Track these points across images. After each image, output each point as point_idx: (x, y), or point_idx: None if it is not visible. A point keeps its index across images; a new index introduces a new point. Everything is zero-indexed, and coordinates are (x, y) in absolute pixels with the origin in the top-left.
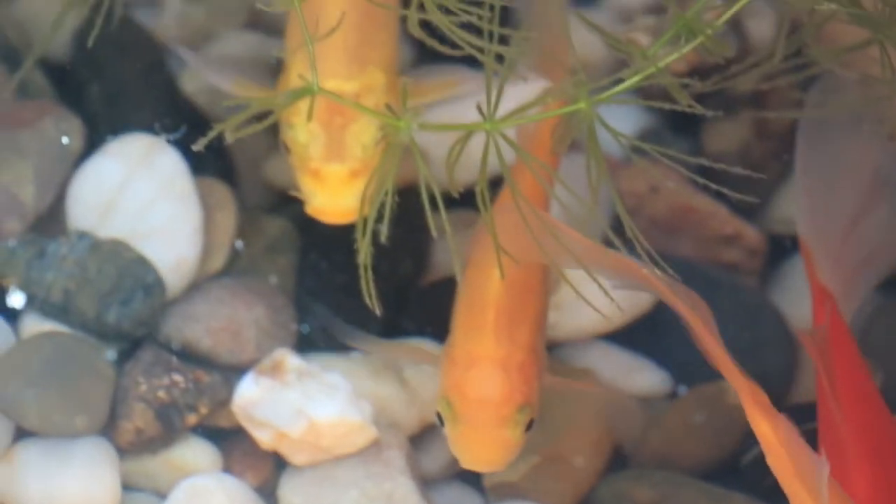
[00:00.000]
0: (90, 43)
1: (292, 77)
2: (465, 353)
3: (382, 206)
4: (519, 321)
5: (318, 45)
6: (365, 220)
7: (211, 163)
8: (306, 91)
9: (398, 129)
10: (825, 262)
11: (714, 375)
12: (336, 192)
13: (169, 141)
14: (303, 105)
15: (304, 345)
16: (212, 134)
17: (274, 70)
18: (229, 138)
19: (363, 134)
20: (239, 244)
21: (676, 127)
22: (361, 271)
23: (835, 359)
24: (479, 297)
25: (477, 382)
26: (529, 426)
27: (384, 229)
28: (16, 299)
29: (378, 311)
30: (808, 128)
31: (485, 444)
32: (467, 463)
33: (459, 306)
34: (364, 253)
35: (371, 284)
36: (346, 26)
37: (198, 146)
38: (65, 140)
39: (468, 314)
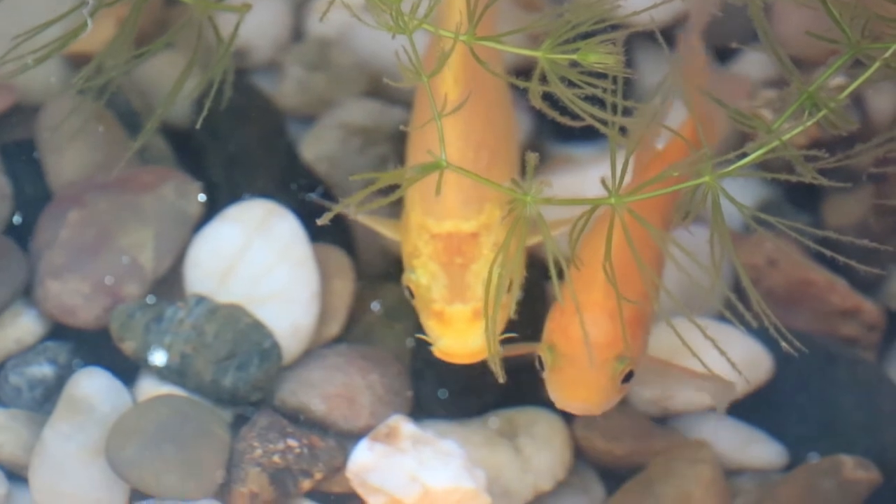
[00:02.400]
0: (200, 120)
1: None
2: (574, 302)
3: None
4: (629, 288)
5: (433, 185)
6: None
7: (329, 230)
8: (435, 166)
9: (525, 202)
10: None
11: (830, 450)
12: (461, 334)
13: (308, 200)
14: (423, 247)
15: (420, 411)
16: (337, 209)
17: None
18: (352, 213)
19: (484, 272)
20: (376, 305)
21: (796, 200)
22: (488, 338)
23: None
24: (594, 259)
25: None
26: (628, 378)
27: (513, 303)
28: (158, 357)
29: (501, 380)
30: None
31: (583, 383)
32: (562, 403)
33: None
34: (490, 324)
35: (497, 354)
36: (462, 165)
37: (322, 221)
38: (201, 197)
39: (582, 272)
